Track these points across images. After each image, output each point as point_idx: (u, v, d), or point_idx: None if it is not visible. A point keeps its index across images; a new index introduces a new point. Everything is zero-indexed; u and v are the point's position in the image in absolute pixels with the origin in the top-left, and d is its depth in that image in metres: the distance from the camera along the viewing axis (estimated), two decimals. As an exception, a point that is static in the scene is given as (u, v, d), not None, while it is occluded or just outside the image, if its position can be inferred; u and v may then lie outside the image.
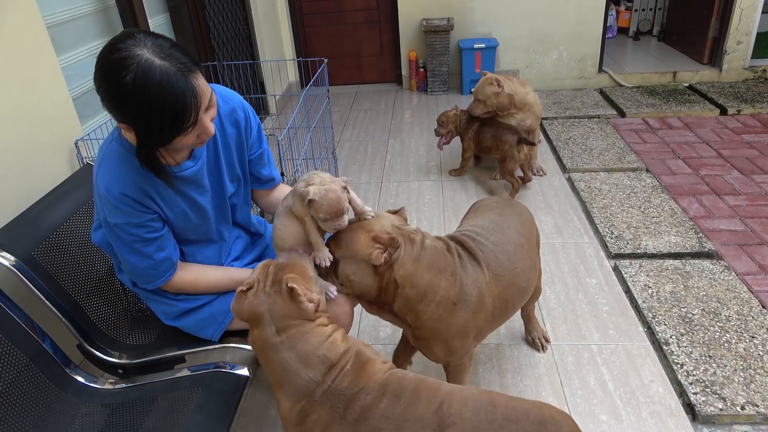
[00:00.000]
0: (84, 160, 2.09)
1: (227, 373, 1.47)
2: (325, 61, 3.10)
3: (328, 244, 1.43)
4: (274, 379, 1.18)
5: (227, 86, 1.58)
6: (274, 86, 4.63)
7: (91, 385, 1.51)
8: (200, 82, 1.20)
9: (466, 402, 1.12)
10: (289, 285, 1.18)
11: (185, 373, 1.51)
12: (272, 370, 1.18)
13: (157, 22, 3.09)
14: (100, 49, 1.18)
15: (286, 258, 1.33)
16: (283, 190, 1.71)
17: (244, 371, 1.47)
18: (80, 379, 1.51)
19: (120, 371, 1.57)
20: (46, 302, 1.49)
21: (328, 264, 1.40)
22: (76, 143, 2.08)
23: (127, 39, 1.15)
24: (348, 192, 1.40)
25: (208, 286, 1.53)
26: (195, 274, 1.50)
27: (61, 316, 1.51)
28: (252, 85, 4.21)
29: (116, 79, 1.12)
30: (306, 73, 5.27)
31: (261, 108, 4.60)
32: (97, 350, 1.55)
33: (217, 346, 1.58)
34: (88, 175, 1.70)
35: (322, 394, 1.14)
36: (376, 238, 1.38)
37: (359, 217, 1.45)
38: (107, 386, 1.52)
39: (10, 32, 1.81)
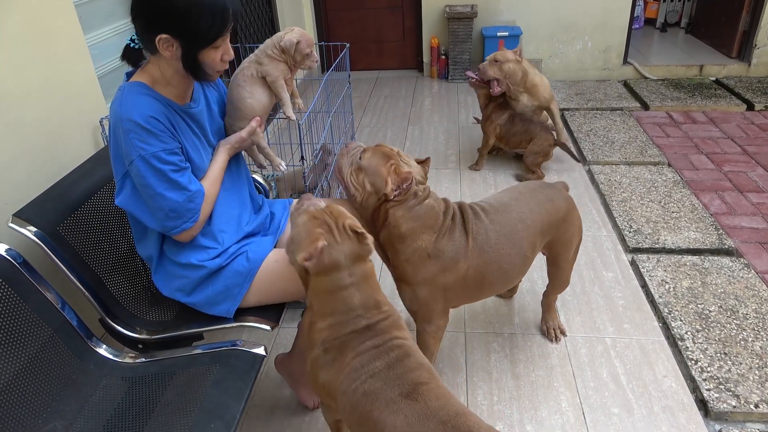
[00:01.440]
0: (108, 138, 2.12)
1: (244, 352, 1.50)
2: (347, 46, 3.09)
3: (364, 152, 1.63)
4: (326, 310, 1.32)
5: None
6: (295, 70, 4.63)
7: (112, 358, 1.56)
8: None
9: (440, 398, 1.18)
10: (359, 231, 1.33)
11: (203, 350, 1.54)
12: (329, 305, 1.32)
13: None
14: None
15: (252, 125, 1.61)
16: None
17: (260, 350, 1.50)
18: (102, 352, 1.55)
19: (140, 346, 1.60)
20: (71, 276, 1.52)
21: (294, 118, 1.70)
22: (100, 121, 2.12)
23: None
24: None
25: (215, 191, 1.56)
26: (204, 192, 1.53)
27: (84, 290, 1.55)
28: (273, 69, 4.21)
29: None
30: (327, 58, 5.26)
31: (281, 91, 4.60)
32: (118, 325, 1.59)
33: (234, 324, 1.60)
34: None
35: (364, 326, 1.30)
36: (397, 171, 1.56)
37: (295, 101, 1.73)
38: (128, 360, 1.56)
39: (40, 10, 1.84)
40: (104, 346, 1.57)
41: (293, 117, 1.70)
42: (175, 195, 1.41)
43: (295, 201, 1.58)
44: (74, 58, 2.01)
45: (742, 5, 4.66)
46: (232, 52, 1.48)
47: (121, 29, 2.51)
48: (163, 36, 1.34)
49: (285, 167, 1.73)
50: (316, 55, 1.70)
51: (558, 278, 2.01)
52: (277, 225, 1.78)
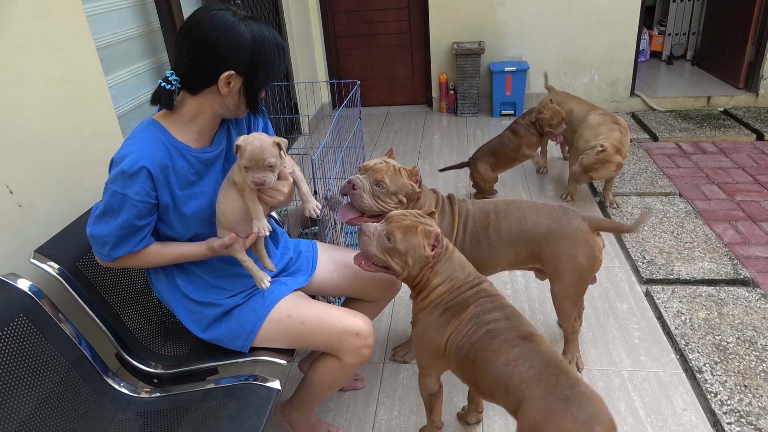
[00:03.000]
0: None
1: (258, 386, 1.50)
2: (358, 83, 3.16)
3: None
4: (446, 274, 1.55)
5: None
6: (308, 107, 4.74)
7: (127, 393, 1.56)
8: None
9: (549, 348, 1.41)
10: (430, 211, 1.66)
11: (218, 384, 1.55)
12: (447, 269, 1.57)
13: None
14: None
15: (224, 240, 1.45)
16: None
17: (274, 384, 1.50)
18: (117, 387, 1.56)
19: (155, 381, 1.61)
20: (89, 311, 1.55)
21: (268, 234, 1.44)
22: (119, 159, 2.17)
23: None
24: (285, 157, 1.46)
25: (156, 261, 1.51)
26: (145, 251, 1.47)
27: (102, 325, 1.57)
28: (286, 106, 4.31)
29: (238, 32, 1.34)
30: (338, 94, 5.37)
31: (294, 128, 4.70)
32: (134, 359, 1.60)
33: (248, 359, 1.61)
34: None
35: (476, 283, 1.56)
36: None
37: (305, 206, 1.53)
38: (143, 395, 1.57)
39: (65, 54, 1.91)
40: (120, 381, 1.58)
41: (265, 232, 1.43)
42: (105, 230, 1.38)
43: (364, 234, 1.57)
44: (96, 100, 2.08)
45: (746, 37, 4.72)
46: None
47: (138, 71, 2.60)
48: (229, 72, 1.35)
49: (269, 284, 1.55)
50: (263, 176, 1.37)
51: (554, 304, 2.03)
52: (310, 262, 1.81)
